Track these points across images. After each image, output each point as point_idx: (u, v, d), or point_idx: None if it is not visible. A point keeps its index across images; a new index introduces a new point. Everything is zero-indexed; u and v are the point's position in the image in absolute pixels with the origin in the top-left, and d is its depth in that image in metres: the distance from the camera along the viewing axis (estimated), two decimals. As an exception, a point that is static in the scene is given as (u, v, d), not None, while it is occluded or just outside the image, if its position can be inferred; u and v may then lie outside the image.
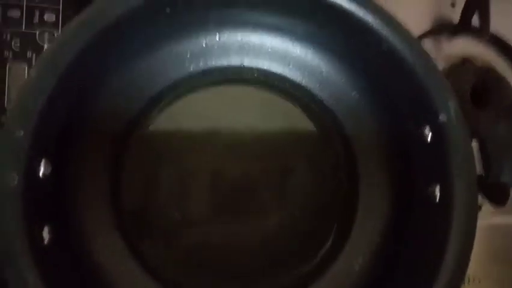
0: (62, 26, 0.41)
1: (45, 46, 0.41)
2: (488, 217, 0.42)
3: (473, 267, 0.41)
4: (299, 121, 0.38)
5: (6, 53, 0.40)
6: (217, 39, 0.37)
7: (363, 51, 0.32)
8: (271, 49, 0.38)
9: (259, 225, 0.36)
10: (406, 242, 0.32)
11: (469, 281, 0.42)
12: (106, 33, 0.27)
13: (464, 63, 0.46)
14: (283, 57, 0.38)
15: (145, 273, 0.33)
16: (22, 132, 0.22)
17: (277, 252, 0.35)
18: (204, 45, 0.37)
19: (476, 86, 0.43)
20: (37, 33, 0.41)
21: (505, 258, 0.43)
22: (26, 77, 0.40)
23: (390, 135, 0.35)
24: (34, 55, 0.41)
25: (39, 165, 0.24)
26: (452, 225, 0.27)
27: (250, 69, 0.38)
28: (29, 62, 0.40)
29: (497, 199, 0.34)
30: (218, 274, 0.34)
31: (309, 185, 0.37)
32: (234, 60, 0.38)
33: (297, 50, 0.37)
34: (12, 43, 0.40)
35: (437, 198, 0.29)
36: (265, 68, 0.38)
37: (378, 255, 0.34)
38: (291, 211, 0.36)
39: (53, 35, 0.41)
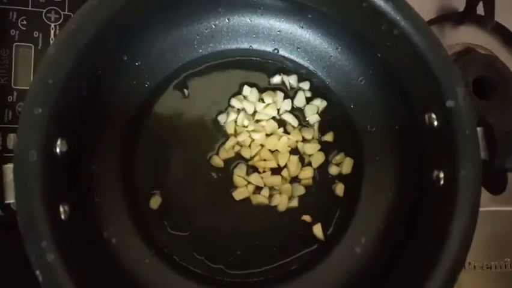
0: (68, 5, 0.41)
1: (52, 26, 0.41)
2: (486, 204, 0.43)
3: (470, 253, 0.42)
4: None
5: (12, 32, 0.40)
6: (227, 21, 0.37)
7: (373, 37, 0.32)
8: (280, 32, 0.38)
9: (267, 211, 0.36)
10: (409, 226, 0.32)
11: (464, 267, 0.43)
12: (121, 15, 0.27)
13: (468, 52, 0.46)
14: (291, 41, 0.38)
15: (154, 254, 0.34)
16: (40, 110, 0.23)
17: (283, 237, 0.36)
18: (213, 28, 0.37)
19: (479, 77, 0.43)
20: (44, 12, 0.40)
21: (500, 244, 0.44)
22: (32, 57, 0.40)
23: (396, 121, 0.35)
24: (41, 35, 0.40)
25: (56, 143, 0.25)
26: (455, 208, 0.27)
27: (259, 52, 0.38)
28: (35, 41, 0.40)
29: (495, 188, 0.35)
30: (226, 258, 0.35)
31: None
32: (243, 43, 0.38)
33: (305, 34, 0.38)
34: (19, 22, 0.40)
35: (442, 181, 0.29)
36: (273, 51, 0.38)
37: (381, 239, 0.35)
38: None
39: (60, 14, 0.41)
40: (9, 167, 0.24)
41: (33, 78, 0.23)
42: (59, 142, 0.25)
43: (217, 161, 0.37)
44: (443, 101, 0.28)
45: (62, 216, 0.25)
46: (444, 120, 0.28)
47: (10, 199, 0.24)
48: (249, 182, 0.36)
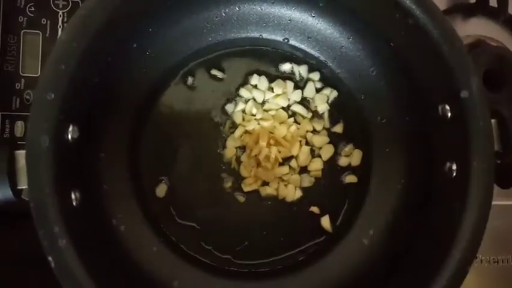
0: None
1: (60, 13, 0.40)
2: (494, 199, 0.43)
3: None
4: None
5: (20, 18, 0.40)
6: (237, 9, 0.37)
7: (387, 26, 0.31)
8: (290, 21, 0.37)
9: (275, 201, 0.36)
10: (418, 218, 0.32)
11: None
12: (132, 2, 0.27)
13: (479, 44, 0.46)
14: (302, 30, 0.38)
15: (162, 242, 0.34)
16: (53, 95, 0.23)
17: (291, 228, 0.36)
18: (223, 16, 0.36)
19: (490, 68, 0.43)
20: (52, -1, 0.40)
21: (507, 239, 0.44)
22: (40, 44, 0.40)
23: (407, 112, 0.35)
24: (49, 22, 0.40)
25: (68, 129, 0.25)
26: (467, 200, 0.27)
27: (268, 41, 0.38)
28: (43, 28, 0.40)
29: (505, 182, 0.35)
30: (234, 248, 0.35)
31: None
32: (253, 32, 0.38)
33: (317, 23, 0.37)
34: (27, 9, 0.40)
35: (454, 173, 0.29)
36: (283, 40, 0.38)
37: (389, 231, 0.35)
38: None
39: (68, 1, 0.41)
40: (21, 153, 0.24)
41: (45, 64, 0.23)
42: (70, 128, 0.25)
43: (228, 153, 0.37)
44: (457, 92, 0.27)
45: (74, 203, 0.25)
46: (458, 111, 0.28)
47: (23, 185, 0.24)
48: (256, 176, 0.36)
